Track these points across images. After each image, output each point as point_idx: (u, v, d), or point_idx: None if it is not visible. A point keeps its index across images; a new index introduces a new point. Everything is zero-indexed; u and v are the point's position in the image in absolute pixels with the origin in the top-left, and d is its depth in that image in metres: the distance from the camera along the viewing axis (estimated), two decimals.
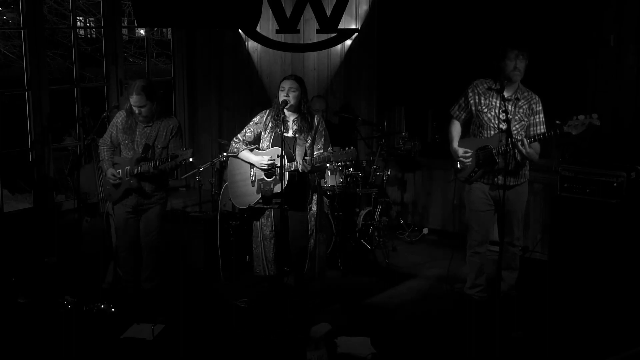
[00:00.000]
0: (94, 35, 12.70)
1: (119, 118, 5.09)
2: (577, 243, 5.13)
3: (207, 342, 4.60)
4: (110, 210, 5.49)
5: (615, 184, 5.01)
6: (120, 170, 5.02)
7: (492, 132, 4.86)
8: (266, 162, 4.56)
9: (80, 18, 12.28)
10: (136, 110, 4.95)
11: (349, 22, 6.89)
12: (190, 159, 4.92)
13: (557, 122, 4.60)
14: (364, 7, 6.84)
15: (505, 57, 4.73)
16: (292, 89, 4.61)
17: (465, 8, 6.23)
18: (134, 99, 4.92)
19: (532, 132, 4.81)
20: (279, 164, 4.45)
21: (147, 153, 4.99)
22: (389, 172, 6.70)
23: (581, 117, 4.48)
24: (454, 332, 4.71)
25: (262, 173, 4.70)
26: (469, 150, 4.92)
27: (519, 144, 4.61)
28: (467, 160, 4.93)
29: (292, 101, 4.60)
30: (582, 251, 5.10)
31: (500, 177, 4.83)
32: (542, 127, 4.83)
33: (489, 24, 6.04)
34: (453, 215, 6.10)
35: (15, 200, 7.74)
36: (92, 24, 12.69)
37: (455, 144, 5.03)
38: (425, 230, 6.97)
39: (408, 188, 7.09)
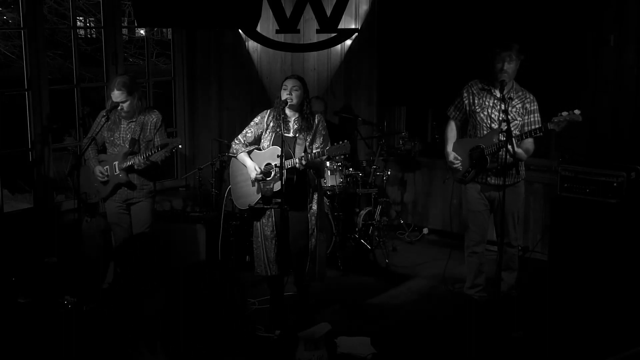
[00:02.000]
0: (94, 35, 12.72)
1: (102, 117, 5.10)
2: (577, 243, 5.13)
3: (207, 342, 4.60)
4: (105, 209, 5.50)
5: (615, 184, 5.01)
6: (107, 167, 5.04)
7: (485, 132, 4.88)
8: (255, 174, 4.59)
9: (80, 18, 12.29)
10: (119, 106, 4.97)
11: (349, 22, 6.89)
12: (180, 146, 4.97)
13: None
14: (364, 7, 6.85)
15: (493, 59, 4.75)
16: (294, 88, 4.61)
17: (465, 8, 6.23)
18: (115, 95, 4.95)
19: (525, 131, 4.81)
20: (277, 164, 4.45)
21: (134, 147, 5.03)
22: (389, 172, 6.69)
23: (564, 113, 4.52)
24: (454, 332, 4.71)
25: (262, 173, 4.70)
26: (459, 157, 4.95)
27: (507, 143, 4.61)
28: (457, 165, 4.95)
29: (294, 100, 4.60)
30: (582, 251, 5.10)
31: (492, 177, 4.85)
32: (536, 125, 4.83)
33: (489, 23, 6.04)
34: (453, 216, 6.10)
35: (15, 200, 7.73)
36: (92, 24, 12.70)
37: (449, 147, 5.05)
38: (425, 230, 6.97)
39: (408, 188, 7.09)
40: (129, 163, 4.97)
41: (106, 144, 5.14)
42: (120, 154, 5.02)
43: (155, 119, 5.11)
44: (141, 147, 5.06)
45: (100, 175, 5.05)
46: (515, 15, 5.90)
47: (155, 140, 5.09)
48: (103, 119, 5.02)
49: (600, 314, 4.83)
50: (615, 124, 5.66)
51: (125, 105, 4.97)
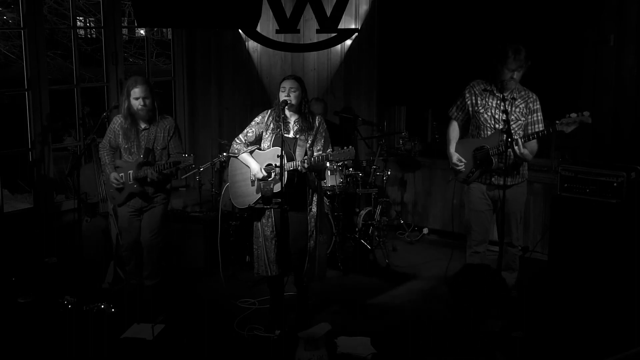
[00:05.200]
0: (94, 35, 12.71)
1: (116, 124, 5.08)
2: (577, 243, 5.12)
3: (207, 342, 4.60)
4: (111, 211, 5.50)
5: (615, 184, 5.01)
6: (122, 174, 5.02)
7: (489, 132, 4.87)
8: (262, 175, 4.59)
9: (80, 18, 12.28)
10: (141, 102, 4.91)
11: (349, 22, 6.89)
12: (192, 165, 4.97)
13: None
14: (364, 7, 6.84)
15: (504, 65, 4.71)
16: (292, 89, 4.61)
17: (465, 8, 6.23)
18: (139, 90, 4.89)
19: (529, 131, 4.81)
20: (278, 164, 4.44)
21: (148, 157, 5.00)
22: (389, 172, 6.69)
23: (573, 115, 4.51)
24: (454, 332, 4.70)
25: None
26: (462, 159, 4.94)
27: (513, 144, 4.60)
28: (461, 166, 4.95)
29: (293, 101, 4.60)
30: (582, 251, 5.10)
31: (496, 177, 4.85)
32: (540, 125, 4.83)
33: (489, 23, 6.03)
34: (453, 215, 6.10)
35: (15, 200, 7.73)
36: (92, 24, 12.70)
37: (451, 148, 5.04)
38: (425, 230, 6.97)
39: (408, 188, 7.09)
40: (143, 174, 4.95)
41: (121, 150, 5.10)
42: (135, 163, 4.99)
43: (168, 126, 5.07)
44: (155, 155, 5.04)
45: (115, 182, 5.02)
46: (515, 15, 5.90)
47: (170, 147, 5.06)
48: (104, 118, 5.00)
49: (600, 314, 4.83)
50: (615, 124, 5.66)
51: (147, 101, 4.93)
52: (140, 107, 4.93)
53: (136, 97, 4.91)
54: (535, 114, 4.84)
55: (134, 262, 5.24)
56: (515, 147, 4.60)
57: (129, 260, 5.25)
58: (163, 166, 4.89)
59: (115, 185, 5.04)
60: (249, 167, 4.71)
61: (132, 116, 4.99)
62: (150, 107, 4.96)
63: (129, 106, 4.96)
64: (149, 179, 4.95)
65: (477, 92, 4.95)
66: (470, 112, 4.97)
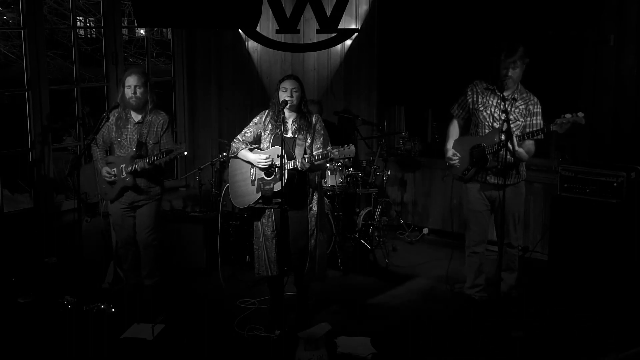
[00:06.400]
0: (94, 35, 12.71)
1: (111, 118, 5.09)
2: (577, 243, 5.13)
3: (207, 342, 4.60)
4: (109, 209, 5.50)
5: (615, 184, 5.01)
6: (115, 169, 5.03)
7: (487, 131, 4.87)
8: (263, 161, 4.57)
9: (80, 18, 12.29)
10: (132, 90, 4.94)
11: (349, 22, 6.89)
12: (185, 153, 4.95)
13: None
14: (364, 7, 6.85)
15: (498, 65, 4.74)
16: (294, 89, 4.60)
17: (465, 7, 6.23)
18: (132, 78, 4.93)
19: (526, 132, 4.81)
20: (278, 164, 4.44)
21: (140, 150, 5.01)
22: (389, 172, 6.69)
23: (568, 115, 4.51)
24: (454, 332, 4.71)
25: (262, 172, 4.70)
26: (457, 153, 4.94)
27: (508, 142, 4.60)
28: (455, 161, 4.95)
29: (295, 101, 4.60)
30: (582, 251, 5.11)
31: (492, 176, 4.85)
32: (537, 128, 4.82)
33: (488, 23, 6.04)
34: (453, 215, 6.10)
35: (15, 200, 7.73)
36: (92, 24, 12.71)
37: (449, 144, 5.05)
38: (425, 230, 6.97)
39: (408, 188, 7.09)
40: (135, 167, 4.96)
41: (114, 145, 5.11)
42: (128, 157, 5.00)
43: (162, 120, 5.08)
44: (148, 149, 5.04)
45: (108, 175, 5.03)
46: (515, 15, 5.90)
47: (162, 142, 5.07)
48: (104, 119, 5.01)
49: (600, 314, 4.83)
50: (615, 124, 5.66)
51: (139, 90, 4.94)
52: (131, 94, 4.96)
53: (128, 84, 4.95)
54: (534, 117, 4.83)
55: (131, 261, 5.24)
56: (510, 145, 4.59)
57: (125, 258, 5.25)
58: (156, 156, 4.89)
59: (107, 179, 5.04)
60: (249, 164, 4.70)
61: (124, 106, 5.02)
62: (140, 97, 4.97)
63: (122, 95, 5.00)
64: (139, 169, 4.96)
65: (479, 90, 4.96)
66: (471, 110, 4.98)
